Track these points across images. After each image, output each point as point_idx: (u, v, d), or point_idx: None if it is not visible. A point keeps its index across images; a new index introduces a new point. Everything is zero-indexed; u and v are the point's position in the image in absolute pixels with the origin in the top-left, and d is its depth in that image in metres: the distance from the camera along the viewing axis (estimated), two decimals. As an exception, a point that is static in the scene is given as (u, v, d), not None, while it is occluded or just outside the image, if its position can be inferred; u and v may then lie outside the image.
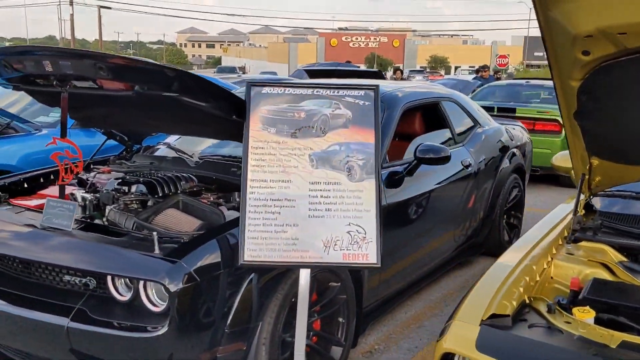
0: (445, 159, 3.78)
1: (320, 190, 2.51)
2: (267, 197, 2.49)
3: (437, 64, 75.72)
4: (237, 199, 3.17)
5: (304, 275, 2.48)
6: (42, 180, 3.63)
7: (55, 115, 5.13)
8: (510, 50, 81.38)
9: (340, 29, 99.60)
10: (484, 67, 13.69)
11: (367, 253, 2.46)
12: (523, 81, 9.71)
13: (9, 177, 3.55)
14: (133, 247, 2.53)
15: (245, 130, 2.57)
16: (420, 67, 66.29)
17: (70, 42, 71.17)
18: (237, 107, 2.74)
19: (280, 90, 2.63)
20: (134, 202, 3.06)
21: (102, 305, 2.48)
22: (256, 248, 2.44)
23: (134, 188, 3.15)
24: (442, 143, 4.30)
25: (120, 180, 3.25)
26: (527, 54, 78.49)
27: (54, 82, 2.86)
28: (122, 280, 2.50)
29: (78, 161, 2.86)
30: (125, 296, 2.48)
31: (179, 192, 3.22)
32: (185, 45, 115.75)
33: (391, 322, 3.95)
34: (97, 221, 3.01)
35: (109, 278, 2.49)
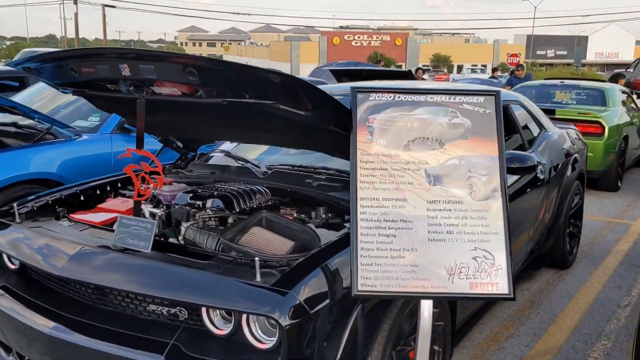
0: (532, 169, 3.52)
1: (440, 210, 2.23)
2: (380, 217, 2.21)
3: (440, 63, 75.57)
4: (323, 215, 2.89)
5: (427, 307, 2.20)
6: (98, 192, 3.35)
7: (94, 119, 4.85)
8: (513, 48, 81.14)
9: (341, 27, 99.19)
10: (519, 67, 13.28)
11: (497, 282, 2.18)
12: (557, 81, 9.43)
13: (64, 190, 3.26)
14: (228, 273, 2.25)
15: (352, 142, 2.28)
16: (423, 65, 66.14)
17: (69, 40, 71.13)
18: (337, 115, 2.46)
19: (390, 97, 2.35)
20: (213, 219, 2.78)
21: (196, 340, 2.20)
22: (371, 276, 2.16)
23: (209, 203, 2.87)
24: (514, 149, 4.03)
25: (192, 194, 2.96)
26: (529, 53, 78.30)
27: (130, 88, 2.58)
28: (218, 311, 2.22)
29: (158, 176, 2.56)
30: (224, 330, 2.20)
31: (255, 207, 2.95)
32: (186, 44, 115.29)
33: (469, 343, 3.67)
34: (171, 240, 2.73)
35: (203, 309, 2.21)
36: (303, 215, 2.91)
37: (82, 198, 3.25)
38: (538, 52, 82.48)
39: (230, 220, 2.78)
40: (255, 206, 2.95)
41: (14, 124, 4.79)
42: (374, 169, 2.27)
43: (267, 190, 3.09)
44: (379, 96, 2.35)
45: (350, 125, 2.38)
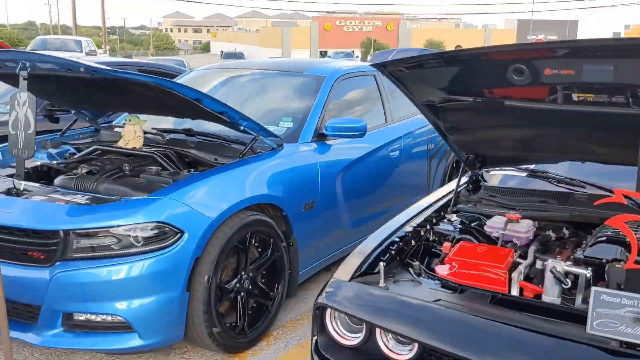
0: None
1: None
2: None
3: (434, 48, 75.02)
4: None
5: None
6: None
7: (286, 124, 3.93)
8: (503, 33, 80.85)
9: (327, 12, 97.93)
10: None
11: None
12: None
13: (392, 234, 2.38)
14: None
15: None
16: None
17: (50, 28, 69.02)
18: None
19: None
20: None
21: None
22: None
23: None
24: None
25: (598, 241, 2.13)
26: (520, 38, 78.14)
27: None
28: None
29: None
30: None
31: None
32: (171, 30, 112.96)
33: None
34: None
35: None
36: None
37: (412, 243, 2.40)
38: (528, 37, 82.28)
39: None
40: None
41: (188, 132, 3.89)
42: None
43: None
44: None
45: None
